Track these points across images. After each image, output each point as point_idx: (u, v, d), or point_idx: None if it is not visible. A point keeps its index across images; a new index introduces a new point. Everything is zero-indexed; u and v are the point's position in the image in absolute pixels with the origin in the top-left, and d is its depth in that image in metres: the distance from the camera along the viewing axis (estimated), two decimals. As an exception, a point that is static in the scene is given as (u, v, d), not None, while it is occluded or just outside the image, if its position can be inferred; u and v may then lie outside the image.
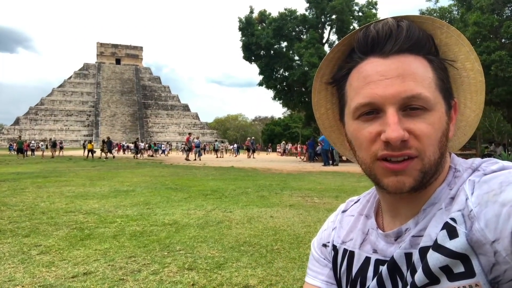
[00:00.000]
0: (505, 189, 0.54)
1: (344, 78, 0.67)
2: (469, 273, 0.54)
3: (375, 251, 0.70)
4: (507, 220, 0.51)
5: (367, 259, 0.71)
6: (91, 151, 28.38)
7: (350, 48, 0.67)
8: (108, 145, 28.70)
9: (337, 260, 0.78)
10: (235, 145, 43.36)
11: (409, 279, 0.60)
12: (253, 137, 36.27)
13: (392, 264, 0.64)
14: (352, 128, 0.65)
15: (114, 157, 29.11)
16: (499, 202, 0.53)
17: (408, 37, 0.60)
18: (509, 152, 15.07)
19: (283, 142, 50.85)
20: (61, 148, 39.39)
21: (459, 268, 0.55)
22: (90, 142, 30.48)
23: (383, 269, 0.66)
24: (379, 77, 0.60)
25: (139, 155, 32.58)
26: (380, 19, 0.64)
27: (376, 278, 0.67)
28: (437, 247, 0.57)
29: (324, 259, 0.81)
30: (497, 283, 0.53)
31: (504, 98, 22.03)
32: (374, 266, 0.69)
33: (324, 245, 0.82)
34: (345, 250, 0.76)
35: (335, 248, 0.79)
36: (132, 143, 37.76)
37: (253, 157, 32.86)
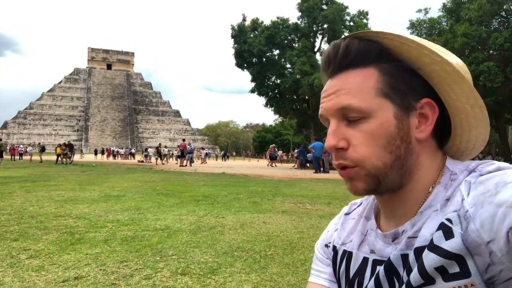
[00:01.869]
0: (500, 189, 0.54)
1: None
2: (464, 273, 0.55)
3: (372, 252, 0.71)
4: (502, 220, 0.51)
5: (365, 260, 0.72)
6: (60, 155, 26.77)
7: None
8: (69, 149, 27.36)
9: (336, 261, 0.79)
10: (205, 151, 42.33)
11: (405, 279, 0.61)
12: (274, 145, 35.07)
13: (389, 265, 0.65)
14: None
15: (71, 162, 26.89)
16: (495, 203, 0.53)
17: (346, 55, 0.65)
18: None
19: (273, 146, 50.86)
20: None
21: (454, 269, 0.55)
22: (59, 146, 28.74)
23: (380, 269, 0.66)
24: (324, 94, 0.68)
25: (163, 161, 29.32)
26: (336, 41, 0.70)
27: (373, 278, 0.67)
28: (433, 247, 0.57)
29: (327, 258, 0.83)
30: (493, 283, 0.53)
31: (492, 108, 22.45)
32: (371, 266, 0.70)
33: (326, 245, 0.84)
34: (344, 251, 0.78)
35: (335, 249, 0.80)
36: (155, 147, 33.28)
37: (275, 165, 30.05)
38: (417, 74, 0.65)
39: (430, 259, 0.57)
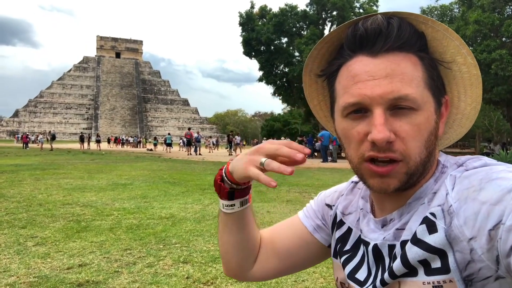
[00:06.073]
0: (484, 186, 0.54)
1: (334, 74, 0.66)
2: (445, 269, 0.55)
3: (365, 233, 0.72)
4: (485, 218, 0.51)
5: (359, 239, 0.73)
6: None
7: (336, 43, 0.66)
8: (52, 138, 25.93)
9: (335, 225, 0.80)
10: (184, 139, 40.60)
11: (389, 266, 0.63)
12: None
13: (376, 250, 0.67)
14: (341, 126, 0.64)
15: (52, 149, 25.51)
16: (479, 199, 0.53)
17: (399, 36, 0.59)
18: (507, 151, 15.10)
19: (282, 138, 50.93)
20: (98, 141, 35.70)
21: (436, 263, 0.56)
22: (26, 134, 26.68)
23: (369, 252, 0.68)
24: (367, 77, 0.59)
25: (233, 150, 26.00)
26: (369, 14, 0.62)
27: (360, 258, 0.71)
28: (416, 241, 0.58)
29: (322, 215, 0.84)
30: (471, 280, 0.53)
31: (503, 97, 22.05)
32: (364, 246, 0.71)
33: (328, 206, 0.84)
34: (343, 223, 0.78)
35: (336, 215, 0.81)
36: (229, 134, 28.89)
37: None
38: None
39: (413, 252, 0.57)
